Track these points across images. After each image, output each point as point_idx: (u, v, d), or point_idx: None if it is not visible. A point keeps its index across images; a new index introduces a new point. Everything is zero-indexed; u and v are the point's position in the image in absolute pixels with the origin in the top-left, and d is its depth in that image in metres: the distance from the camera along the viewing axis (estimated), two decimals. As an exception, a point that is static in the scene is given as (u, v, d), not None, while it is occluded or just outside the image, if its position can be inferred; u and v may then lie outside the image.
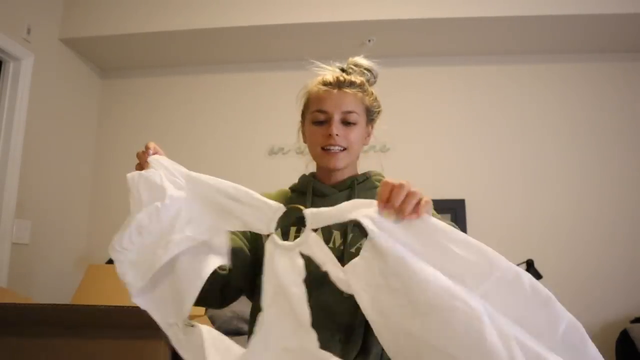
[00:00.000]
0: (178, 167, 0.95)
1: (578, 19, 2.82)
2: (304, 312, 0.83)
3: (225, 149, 3.35)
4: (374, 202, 0.83)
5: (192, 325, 0.88)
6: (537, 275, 2.85)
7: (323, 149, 1.15)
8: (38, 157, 2.87)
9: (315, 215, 0.88)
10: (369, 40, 3.03)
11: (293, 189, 1.26)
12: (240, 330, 2.37)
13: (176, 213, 0.88)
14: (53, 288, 2.87)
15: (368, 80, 1.21)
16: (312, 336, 0.83)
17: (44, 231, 2.89)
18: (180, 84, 3.47)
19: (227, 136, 3.36)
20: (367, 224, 0.81)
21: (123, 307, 1.02)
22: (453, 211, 3.07)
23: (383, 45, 3.10)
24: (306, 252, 0.87)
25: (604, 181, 3.09)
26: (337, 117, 1.14)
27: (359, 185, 1.19)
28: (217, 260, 0.90)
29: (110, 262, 2.97)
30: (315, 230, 1.10)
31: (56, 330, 1.13)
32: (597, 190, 3.09)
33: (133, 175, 0.91)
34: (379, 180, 1.23)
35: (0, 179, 2.63)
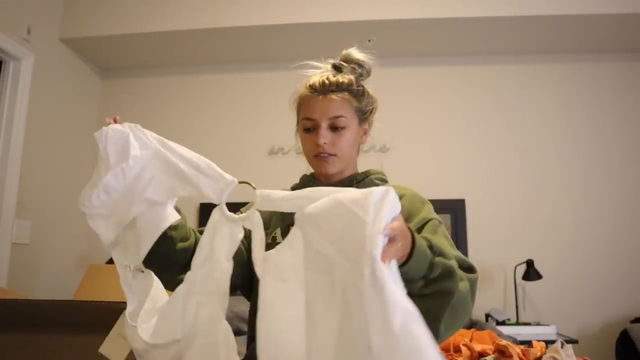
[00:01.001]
0: (150, 132, 1.01)
1: (578, 19, 2.82)
2: (224, 285, 0.92)
3: (225, 149, 3.35)
4: (324, 193, 0.83)
5: (142, 271, 0.98)
6: (537, 275, 2.85)
7: (314, 156, 1.15)
8: (38, 157, 2.87)
9: (265, 198, 0.94)
10: (369, 40, 3.02)
11: (294, 188, 1.26)
12: (240, 330, 2.36)
13: (139, 172, 0.94)
14: (53, 288, 2.87)
15: (360, 75, 1.19)
16: (223, 306, 0.91)
17: (44, 231, 2.89)
18: (180, 84, 3.48)
19: (227, 136, 3.36)
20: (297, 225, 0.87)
21: (123, 303, 1.01)
22: (453, 211, 3.07)
23: (383, 45, 3.10)
24: (248, 227, 0.96)
25: (603, 181, 3.09)
26: (324, 125, 1.13)
27: (358, 185, 1.18)
28: (170, 219, 1.00)
29: (111, 262, 2.97)
30: (287, 232, 1.09)
31: (55, 327, 1.13)
32: (597, 191, 3.09)
33: (102, 130, 0.98)
34: (380, 179, 1.22)
35: (0, 179, 2.63)
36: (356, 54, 1.19)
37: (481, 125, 3.23)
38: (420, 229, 1.05)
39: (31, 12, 2.81)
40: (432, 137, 3.24)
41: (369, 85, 1.21)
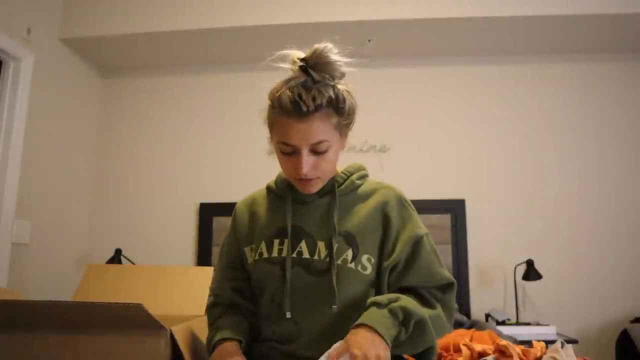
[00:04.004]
0: None
1: (578, 19, 2.82)
2: None
3: (225, 149, 3.35)
4: None
5: None
6: (537, 275, 2.85)
7: (296, 178, 1.08)
8: (38, 157, 2.87)
9: None
10: (369, 40, 3.03)
11: (271, 189, 1.22)
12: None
13: None
14: (53, 288, 2.87)
15: (332, 77, 1.04)
16: None
17: (44, 231, 2.89)
18: (180, 84, 3.48)
19: (227, 136, 3.36)
20: None
21: (123, 304, 1.01)
22: (453, 211, 3.07)
23: (383, 45, 3.10)
24: None
25: (603, 181, 3.09)
26: (305, 151, 1.03)
27: (340, 189, 1.14)
28: None
29: (111, 261, 2.97)
30: (299, 242, 1.09)
31: (54, 328, 1.13)
32: (597, 191, 3.09)
33: None
34: (361, 177, 1.19)
35: (0, 179, 2.62)
36: (330, 54, 1.03)
37: (481, 125, 3.23)
38: (408, 250, 1.09)
39: (31, 12, 2.81)
40: (432, 137, 3.24)
41: (350, 82, 1.09)
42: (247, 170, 3.25)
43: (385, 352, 0.93)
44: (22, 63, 2.74)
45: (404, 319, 1.00)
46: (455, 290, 1.12)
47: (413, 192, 1.22)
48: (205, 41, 3.12)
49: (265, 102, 1.10)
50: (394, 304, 1.00)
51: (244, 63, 3.36)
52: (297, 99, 1.00)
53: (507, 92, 3.26)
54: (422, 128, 3.25)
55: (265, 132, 1.13)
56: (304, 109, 0.99)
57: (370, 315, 0.98)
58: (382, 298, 1.02)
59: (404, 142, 3.20)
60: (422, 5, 2.85)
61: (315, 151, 1.04)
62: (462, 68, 3.30)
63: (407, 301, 1.02)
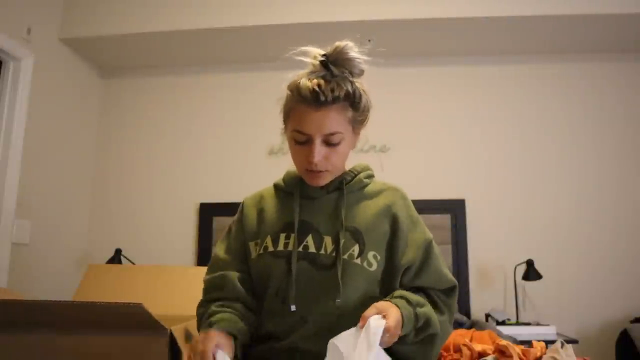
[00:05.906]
0: None
1: (578, 19, 2.82)
2: None
3: (225, 149, 3.35)
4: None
5: None
6: (537, 275, 2.85)
7: (306, 169, 1.10)
8: (38, 157, 2.87)
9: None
10: (369, 40, 3.02)
11: (278, 187, 1.23)
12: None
13: None
14: (53, 288, 2.87)
15: (351, 73, 1.08)
16: None
17: (44, 231, 2.89)
18: (180, 84, 3.48)
19: (227, 136, 3.36)
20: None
21: (123, 304, 1.01)
22: (453, 211, 3.07)
23: (383, 45, 3.09)
24: None
25: (603, 181, 3.09)
26: (318, 140, 1.05)
27: (348, 186, 1.16)
28: None
29: (111, 261, 2.97)
30: (305, 237, 1.09)
31: (54, 328, 1.13)
32: (597, 191, 3.09)
33: None
34: (368, 177, 1.20)
35: (0, 178, 2.62)
36: (350, 51, 1.07)
37: (481, 125, 3.23)
38: (422, 254, 1.11)
39: (31, 12, 2.81)
40: (432, 137, 3.24)
41: (364, 82, 1.12)
42: (247, 170, 3.25)
43: (398, 324, 0.95)
44: (22, 63, 2.74)
45: (421, 327, 1.03)
46: (457, 294, 1.15)
47: (413, 192, 1.22)
48: (205, 41, 3.12)
49: (283, 93, 1.13)
50: (419, 309, 1.03)
51: (244, 63, 3.36)
52: (317, 88, 1.03)
53: (507, 92, 3.26)
54: (422, 128, 3.25)
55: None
56: (322, 98, 1.03)
57: (400, 304, 1.01)
58: (413, 297, 1.04)
59: (404, 142, 3.20)
60: (422, 5, 2.85)
61: (328, 142, 1.06)
62: (462, 68, 3.30)
63: (430, 311, 1.06)
